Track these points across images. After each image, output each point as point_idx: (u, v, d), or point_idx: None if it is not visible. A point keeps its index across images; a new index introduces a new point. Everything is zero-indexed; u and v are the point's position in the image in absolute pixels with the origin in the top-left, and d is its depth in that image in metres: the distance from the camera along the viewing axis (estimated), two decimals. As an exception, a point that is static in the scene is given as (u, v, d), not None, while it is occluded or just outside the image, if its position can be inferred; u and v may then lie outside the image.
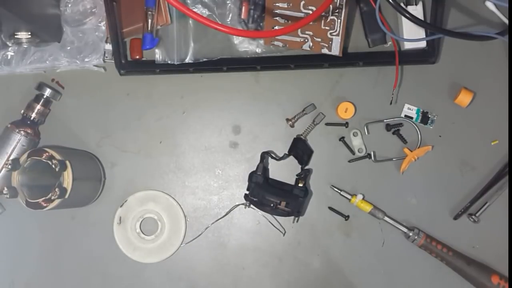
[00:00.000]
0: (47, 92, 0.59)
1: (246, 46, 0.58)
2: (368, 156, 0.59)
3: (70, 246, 0.60)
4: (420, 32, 0.57)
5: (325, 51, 0.56)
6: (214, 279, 0.60)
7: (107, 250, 0.60)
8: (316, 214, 0.59)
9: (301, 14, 0.55)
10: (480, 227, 0.58)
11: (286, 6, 0.55)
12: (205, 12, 0.57)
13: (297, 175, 0.58)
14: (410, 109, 0.59)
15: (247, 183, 0.58)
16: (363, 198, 0.58)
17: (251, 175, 0.58)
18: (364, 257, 0.59)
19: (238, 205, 0.60)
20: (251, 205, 0.59)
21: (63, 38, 0.59)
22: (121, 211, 0.60)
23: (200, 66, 0.58)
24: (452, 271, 0.57)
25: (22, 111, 0.59)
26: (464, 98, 0.58)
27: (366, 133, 0.59)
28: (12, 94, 0.60)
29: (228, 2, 0.57)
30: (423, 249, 0.57)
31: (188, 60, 0.58)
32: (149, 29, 0.57)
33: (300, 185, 0.57)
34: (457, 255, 0.57)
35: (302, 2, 0.55)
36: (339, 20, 0.55)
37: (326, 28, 0.55)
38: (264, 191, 0.57)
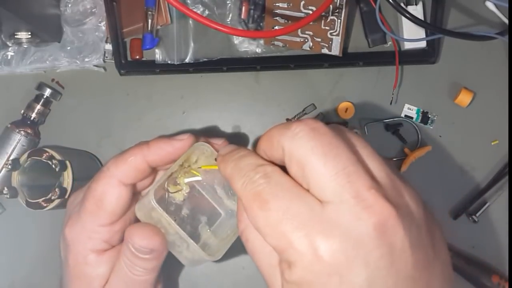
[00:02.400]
0: (47, 92, 0.59)
1: (246, 46, 0.58)
2: (368, 156, 0.59)
3: (70, 246, 0.60)
4: (420, 32, 0.57)
5: (325, 51, 0.56)
6: (214, 279, 0.60)
7: (107, 250, 0.60)
8: (316, 214, 0.59)
9: (301, 14, 0.55)
10: (480, 227, 0.58)
11: (286, 6, 0.55)
12: (205, 12, 0.57)
13: (297, 175, 0.58)
14: (410, 109, 0.59)
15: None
16: (363, 198, 0.58)
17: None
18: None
19: (238, 205, 0.60)
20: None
21: (63, 38, 0.59)
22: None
23: (200, 66, 0.58)
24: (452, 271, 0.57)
25: (22, 111, 0.59)
26: (464, 98, 0.58)
27: (366, 133, 0.59)
28: (12, 94, 0.60)
29: (228, 2, 0.57)
30: (423, 249, 0.57)
31: (188, 60, 0.58)
32: (149, 29, 0.57)
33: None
34: (457, 255, 0.57)
35: (302, 2, 0.55)
36: (339, 20, 0.55)
37: (326, 28, 0.55)
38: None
